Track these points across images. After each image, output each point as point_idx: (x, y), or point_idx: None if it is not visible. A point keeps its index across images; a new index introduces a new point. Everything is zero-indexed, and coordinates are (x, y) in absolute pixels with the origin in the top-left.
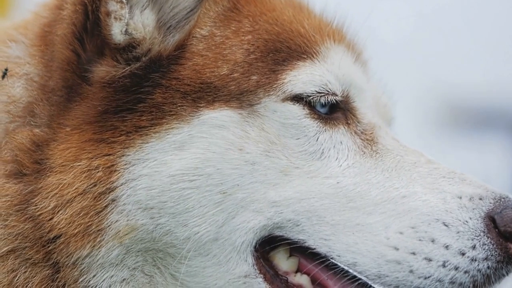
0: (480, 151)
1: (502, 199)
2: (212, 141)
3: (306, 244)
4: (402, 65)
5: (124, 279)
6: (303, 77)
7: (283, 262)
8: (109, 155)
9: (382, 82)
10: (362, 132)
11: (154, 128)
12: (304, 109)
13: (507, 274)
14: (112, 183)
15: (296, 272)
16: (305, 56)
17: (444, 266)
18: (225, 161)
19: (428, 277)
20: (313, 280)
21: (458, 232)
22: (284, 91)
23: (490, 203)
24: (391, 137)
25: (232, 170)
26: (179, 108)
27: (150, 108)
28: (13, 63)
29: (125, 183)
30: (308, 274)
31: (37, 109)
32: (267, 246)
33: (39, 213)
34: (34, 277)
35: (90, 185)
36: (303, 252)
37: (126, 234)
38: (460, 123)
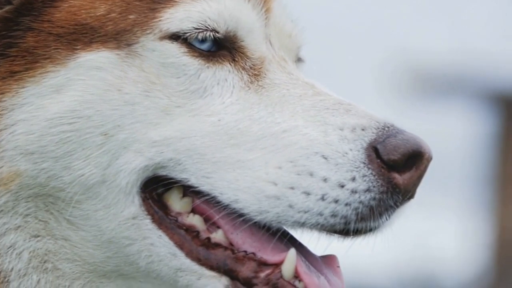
0: (443, 117)
1: (386, 128)
2: (90, 83)
3: (189, 183)
4: (366, 29)
5: (18, 226)
6: (180, 14)
7: (176, 203)
8: None
9: (286, 11)
10: (251, 68)
11: (29, 73)
12: (181, 47)
13: (396, 205)
14: None
15: (190, 212)
16: None
17: (323, 199)
18: (105, 102)
19: (308, 211)
20: (207, 220)
21: (337, 165)
22: (161, 30)
23: (373, 133)
24: (286, 71)
25: (112, 111)
26: (53, 51)
27: (22, 52)
28: None
29: (4, 129)
30: (201, 215)
31: None
32: (157, 186)
33: None
34: None
35: None
36: (196, 192)
37: (12, 181)
38: (424, 89)
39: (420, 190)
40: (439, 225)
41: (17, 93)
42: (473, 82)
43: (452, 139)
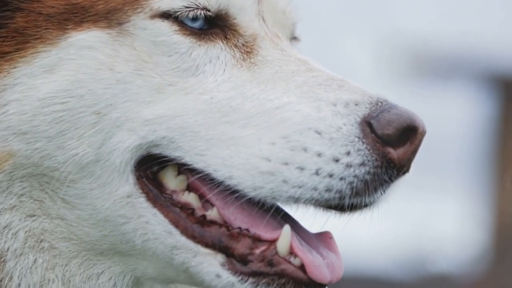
0: (442, 99)
1: (380, 103)
2: (82, 63)
3: (183, 161)
4: (364, 10)
5: (14, 206)
6: None
7: (171, 181)
8: None
9: None
10: (243, 45)
11: (19, 53)
12: (172, 25)
13: (391, 179)
14: None
15: (186, 190)
16: None
17: (317, 174)
18: (96, 81)
19: (302, 186)
20: (202, 197)
21: (331, 139)
22: (151, 8)
23: (366, 107)
24: (278, 47)
25: (104, 90)
26: (44, 31)
27: (12, 33)
28: None
29: None
30: (196, 192)
31: None
32: (151, 164)
33: None
34: None
35: None
36: (190, 170)
37: (5, 161)
38: (423, 71)
39: (419, 172)
40: (438, 207)
41: (8, 73)
42: (472, 64)
43: (451, 121)
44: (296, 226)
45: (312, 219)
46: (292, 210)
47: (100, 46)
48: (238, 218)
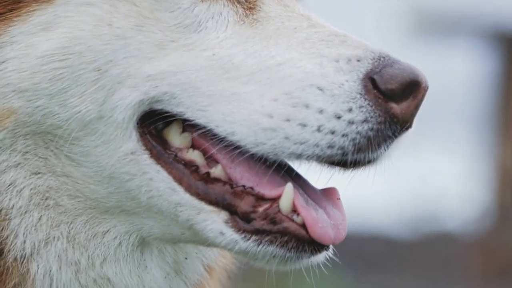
0: (445, 56)
1: (382, 58)
2: (80, 19)
3: (185, 116)
4: None
5: (18, 164)
6: None
7: (176, 138)
8: None
9: None
10: (246, 1)
11: (13, 13)
12: None
13: (394, 135)
14: None
15: (190, 147)
16: None
17: (319, 130)
18: (95, 37)
19: (304, 142)
20: (206, 154)
21: (333, 96)
22: None
23: (369, 63)
24: (282, 3)
25: (104, 46)
26: None
27: None
28: None
29: None
30: (199, 149)
31: None
32: (155, 120)
33: None
34: None
35: None
36: (193, 126)
37: (7, 118)
38: (426, 28)
39: (423, 130)
40: (441, 165)
41: (4, 31)
42: (476, 21)
43: (454, 78)
44: (303, 183)
45: (318, 175)
46: (298, 166)
47: (98, 2)
48: (245, 177)
